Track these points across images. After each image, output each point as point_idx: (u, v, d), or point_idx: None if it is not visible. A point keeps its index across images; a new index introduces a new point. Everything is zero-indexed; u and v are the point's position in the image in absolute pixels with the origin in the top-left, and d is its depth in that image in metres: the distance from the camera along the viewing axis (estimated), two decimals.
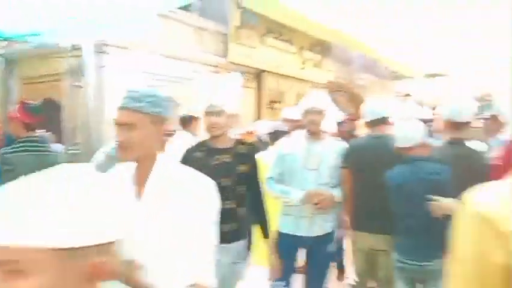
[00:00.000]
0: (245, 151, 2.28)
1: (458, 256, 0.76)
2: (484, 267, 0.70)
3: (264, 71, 7.53)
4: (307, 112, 2.61)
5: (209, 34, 6.39)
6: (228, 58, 6.58)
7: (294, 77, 8.43)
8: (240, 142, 2.35)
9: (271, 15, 6.62)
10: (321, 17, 7.73)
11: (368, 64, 10.86)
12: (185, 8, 5.88)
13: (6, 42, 4.81)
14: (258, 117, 7.12)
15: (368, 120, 2.76)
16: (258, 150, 2.52)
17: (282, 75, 8.08)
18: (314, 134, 2.63)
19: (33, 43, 3.68)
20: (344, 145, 2.73)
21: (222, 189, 1.57)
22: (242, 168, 2.23)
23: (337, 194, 2.59)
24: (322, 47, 9.16)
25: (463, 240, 0.75)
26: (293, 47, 8.15)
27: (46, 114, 3.17)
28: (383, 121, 2.72)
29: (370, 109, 2.76)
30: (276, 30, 7.44)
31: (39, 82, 5.58)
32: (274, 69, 7.72)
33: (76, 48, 4.05)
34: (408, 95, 10.58)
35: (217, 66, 6.28)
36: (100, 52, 4.77)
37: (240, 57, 6.81)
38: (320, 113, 2.58)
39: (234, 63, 6.54)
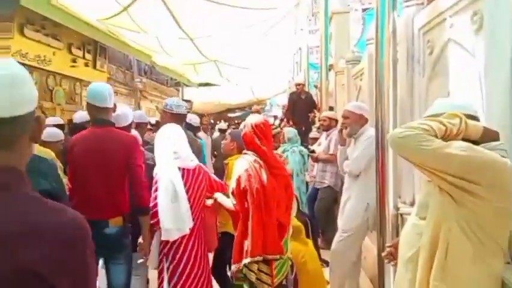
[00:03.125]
0: None
1: None
2: None
3: (25, 65, 6.97)
4: None
5: None
6: None
7: (63, 74, 8.11)
8: None
9: (27, 5, 6.23)
10: (95, 15, 7.68)
11: (146, 69, 11.41)
12: None
13: None
14: None
15: None
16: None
17: (49, 71, 7.65)
18: None
19: None
20: None
21: None
22: None
23: None
24: (95, 47, 9.13)
25: None
26: (60, 43, 7.84)
27: None
28: None
29: None
30: (37, 22, 7.03)
31: None
32: (38, 65, 7.24)
33: None
34: (188, 100, 11.89)
35: None
36: None
37: None
38: None
39: None
